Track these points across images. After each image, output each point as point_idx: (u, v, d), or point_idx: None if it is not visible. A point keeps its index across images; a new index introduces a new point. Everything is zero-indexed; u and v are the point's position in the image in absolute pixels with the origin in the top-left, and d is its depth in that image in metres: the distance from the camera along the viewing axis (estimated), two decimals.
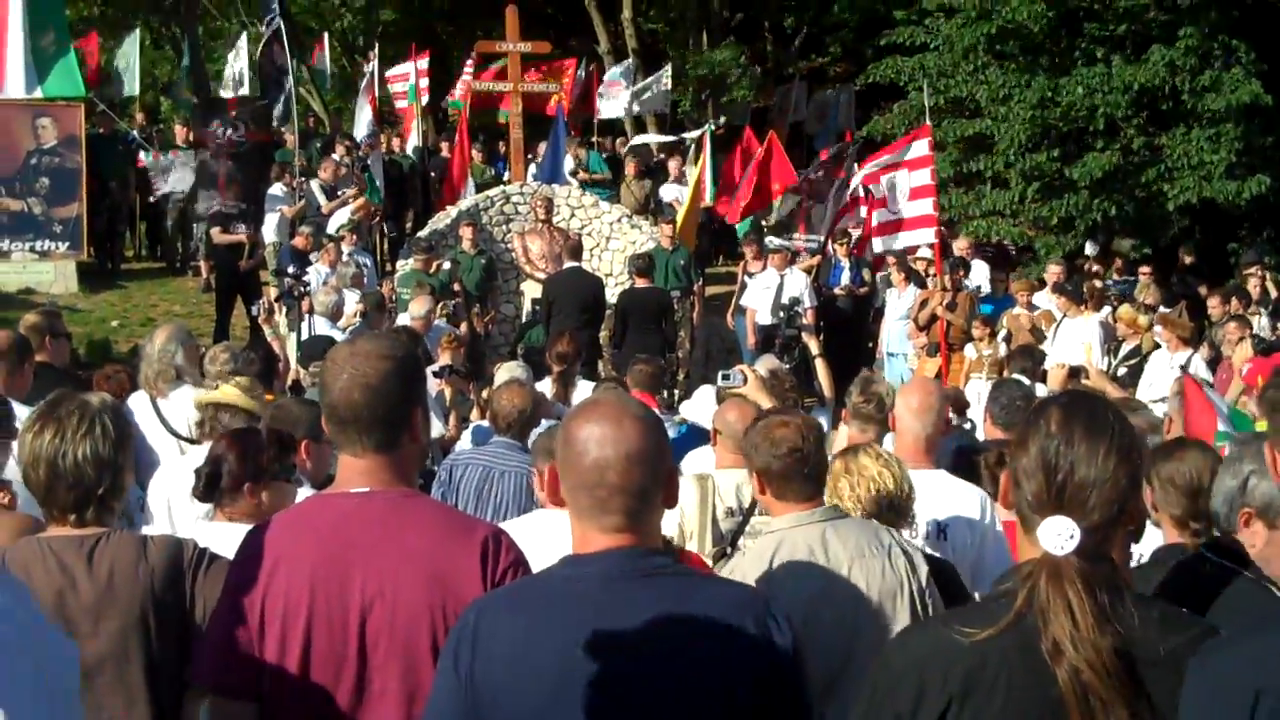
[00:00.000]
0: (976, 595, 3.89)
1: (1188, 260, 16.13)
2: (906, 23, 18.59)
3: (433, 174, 17.83)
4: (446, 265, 13.22)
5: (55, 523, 2.98)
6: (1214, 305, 11.74)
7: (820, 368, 8.73)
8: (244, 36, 21.55)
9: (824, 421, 6.44)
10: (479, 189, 15.98)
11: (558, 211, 14.83)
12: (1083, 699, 1.98)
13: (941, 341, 11.94)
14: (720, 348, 14.14)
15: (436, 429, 7.52)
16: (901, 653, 2.19)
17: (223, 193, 15.02)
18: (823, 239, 14.87)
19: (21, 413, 4.19)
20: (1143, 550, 3.77)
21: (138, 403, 5.96)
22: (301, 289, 9.97)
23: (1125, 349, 11.38)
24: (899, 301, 13.18)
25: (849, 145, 17.14)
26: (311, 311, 10.01)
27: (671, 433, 6.26)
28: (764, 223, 16.36)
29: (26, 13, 14.66)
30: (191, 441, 5.52)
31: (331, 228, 13.90)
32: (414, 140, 18.58)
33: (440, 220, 14.89)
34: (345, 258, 12.57)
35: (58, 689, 1.70)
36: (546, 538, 3.61)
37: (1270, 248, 17.31)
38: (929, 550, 3.88)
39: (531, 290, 13.90)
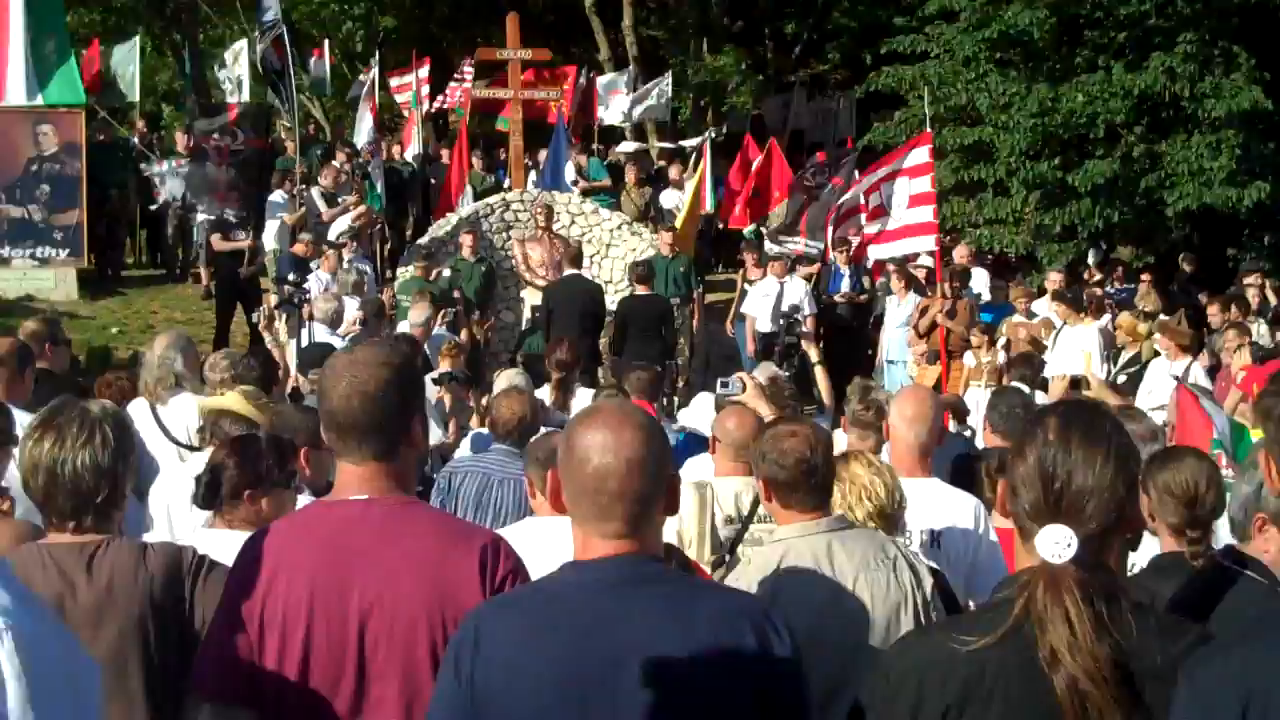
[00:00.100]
0: (971, 604, 3.89)
1: (1188, 268, 16.14)
2: (907, 30, 18.61)
3: (433, 181, 17.85)
4: (446, 272, 13.22)
5: (55, 530, 2.98)
6: (1214, 313, 11.74)
7: (820, 375, 8.73)
8: (243, 43, 21.59)
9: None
10: (479, 196, 15.99)
11: (558, 219, 14.84)
12: (1080, 708, 1.98)
13: (941, 349, 11.94)
14: (720, 355, 14.14)
15: (436, 436, 7.51)
16: (899, 661, 2.19)
17: (222, 200, 15.03)
18: (822, 246, 14.88)
19: (22, 419, 4.19)
20: (1136, 560, 3.76)
21: (137, 410, 5.96)
22: (301, 296, 9.97)
23: (1125, 357, 11.39)
24: (899, 309, 13.18)
25: (849, 152, 17.16)
26: (311, 319, 10.00)
27: (670, 440, 6.25)
28: (762, 229, 16.38)
29: (27, 20, 14.68)
30: (191, 448, 5.52)
31: (332, 235, 13.91)
32: (414, 147, 18.60)
33: (440, 227, 14.91)
34: (346, 265, 12.58)
35: (89, 706, 1.75)
36: (543, 544, 3.62)
37: (1270, 254, 17.33)
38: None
39: (531, 297, 13.90)
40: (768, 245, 15.47)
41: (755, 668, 2.17)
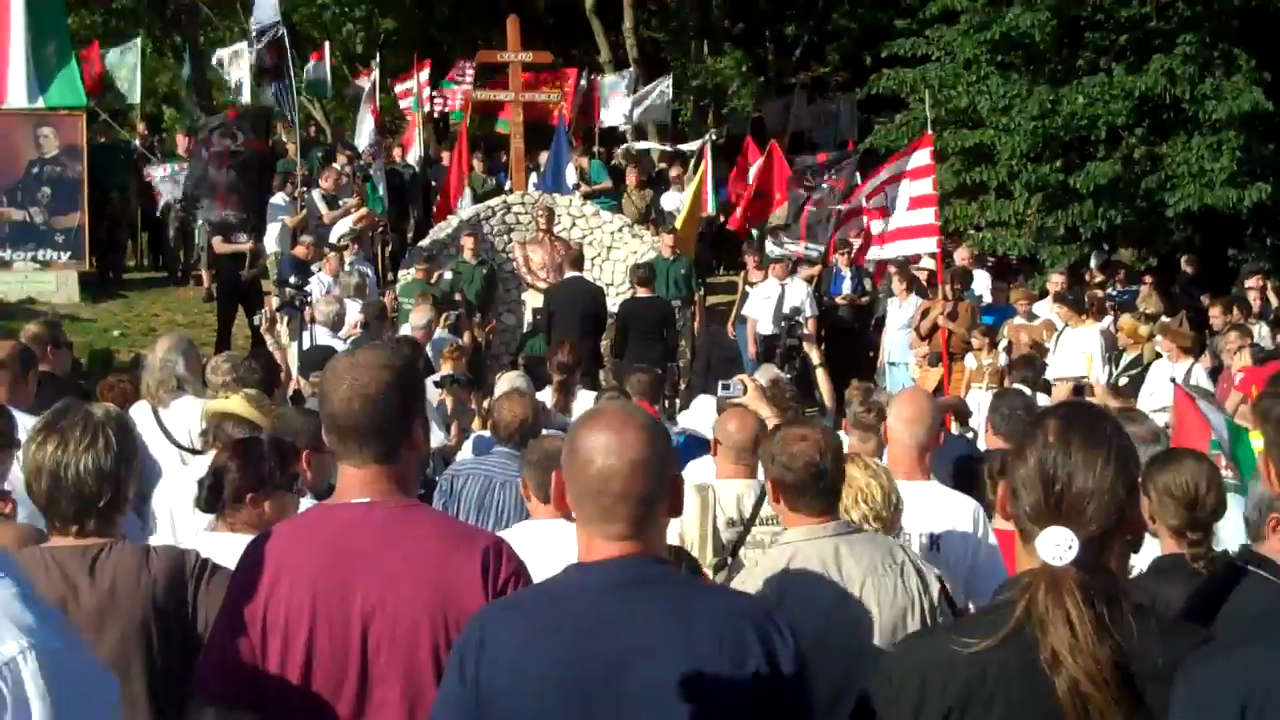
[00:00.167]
0: (971, 607, 3.88)
1: (1189, 270, 16.14)
2: (908, 33, 18.61)
3: (434, 184, 17.86)
4: (448, 275, 13.22)
5: (57, 533, 2.99)
6: (1215, 315, 11.73)
7: (821, 377, 8.74)
8: (244, 45, 21.58)
9: None
10: (480, 199, 15.99)
11: (559, 221, 14.85)
12: (1081, 710, 1.98)
13: (943, 351, 11.93)
14: (721, 357, 14.15)
15: (437, 439, 7.52)
16: (901, 663, 2.20)
17: (223, 202, 15.02)
18: (823, 248, 14.88)
19: (25, 422, 4.20)
20: (1137, 562, 3.76)
21: (139, 413, 5.96)
22: (303, 299, 9.97)
23: (1126, 359, 11.38)
24: (900, 311, 13.17)
25: (849, 154, 17.16)
26: (313, 321, 10.01)
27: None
28: (763, 229, 16.37)
29: (28, 22, 14.69)
30: (193, 451, 5.53)
31: (333, 237, 13.91)
32: (416, 150, 18.60)
33: (441, 230, 14.91)
34: (347, 267, 12.58)
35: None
36: (544, 547, 3.62)
37: (1271, 255, 17.32)
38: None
39: (533, 300, 13.91)
40: (768, 246, 15.47)
41: (758, 669, 2.17)
